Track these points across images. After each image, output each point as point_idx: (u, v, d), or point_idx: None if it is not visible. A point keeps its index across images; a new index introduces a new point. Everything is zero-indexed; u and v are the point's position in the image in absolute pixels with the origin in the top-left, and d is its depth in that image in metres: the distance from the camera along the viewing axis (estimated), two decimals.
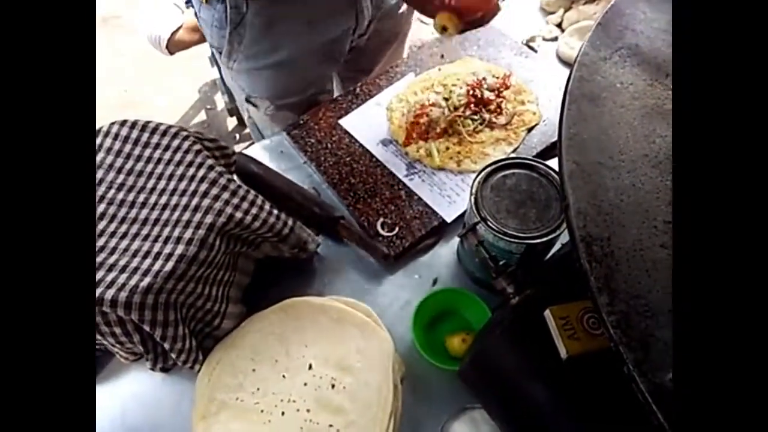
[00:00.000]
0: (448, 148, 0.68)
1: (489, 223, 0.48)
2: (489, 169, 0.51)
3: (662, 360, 0.28)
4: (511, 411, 0.39)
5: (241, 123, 1.93)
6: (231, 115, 1.88)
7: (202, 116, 1.98)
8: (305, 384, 0.51)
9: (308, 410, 0.49)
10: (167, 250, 0.45)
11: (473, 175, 0.51)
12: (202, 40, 1.46)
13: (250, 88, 0.78)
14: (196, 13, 0.74)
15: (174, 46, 1.47)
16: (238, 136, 1.92)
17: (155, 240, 0.46)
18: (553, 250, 0.52)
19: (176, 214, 0.47)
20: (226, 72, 0.78)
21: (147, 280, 0.44)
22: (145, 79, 2.03)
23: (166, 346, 0.47)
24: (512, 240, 0.47)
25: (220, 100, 1.94)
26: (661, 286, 0.30)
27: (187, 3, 0.74)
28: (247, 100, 0.82)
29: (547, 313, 0.36)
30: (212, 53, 1.51)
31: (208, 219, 0.47)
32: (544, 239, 0.47)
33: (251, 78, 0.76)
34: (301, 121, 0.72)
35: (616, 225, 0.32)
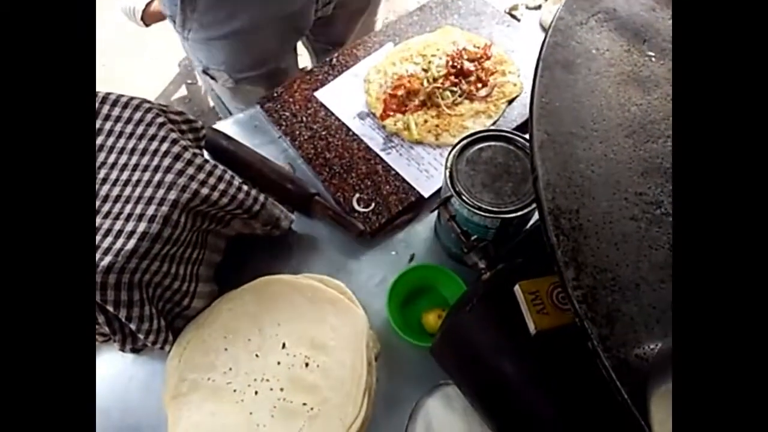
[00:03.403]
0: (426, 121, 0.66)
1: (463, 197, 0.46)
2: (465, 141, 0.49)
3: (627, 335, 0.27)
4: (481, 387, 0.38)
5: None
6: None
7: (182, 91, 1.93)
8: (278, 363, 0.50)
9: (281, 389, 0.49)
10: (129, 227, 0.44)
11: None
12: None
13: (206, 59, 0.74)
14: None
15: (149, 17, 1.42)
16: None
17: (116, 218, 0.44)
18: (529, 225, 0.51)
19: (138, 190, 0.45)
20: (183, 43, 0.74)
21: (108, 259, 0.42)
22: (123, 54, 1.96)
23: (132, 326, 0.45)
24: (487, 215, 0.46)
25: None
26: (630, 260, 0.29)
27: None
28: (205, 72, 0.78)
29: (517, 288, 0.35)
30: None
31: (172, 195, 0.45)
32: (519, 213, 0.46)
33: (207, 48, 0.72)
34: (275, 94, 0.69)
35: (586, 197, 0.31)
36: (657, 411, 0.23)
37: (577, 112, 0.34)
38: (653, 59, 0.37)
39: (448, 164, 0.48)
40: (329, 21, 0.77)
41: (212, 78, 0.78)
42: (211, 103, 1.90)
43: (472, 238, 0.43)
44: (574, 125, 0.34)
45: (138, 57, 1.98)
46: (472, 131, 0.50)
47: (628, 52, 0.38)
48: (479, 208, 0.46)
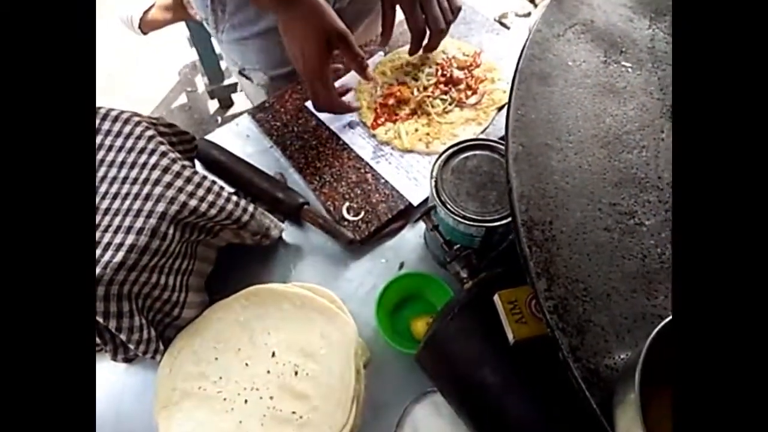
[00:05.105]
0: (417, 130, 0.67)
1: (448, 206, 0.47)
2: (450, 151, 0.50)
3: (598, 345, 0.27)
4: (463, 394, 0.39)
5: (223, 106, 1.89)
6: (212, 98, 1.85)
7: (182, 99, 1.94)
8: (268, 371, 0.50)
9: (271, 397, 0.49)
10: (117, 240, 0.44)
11: None
12: (176, 19, 1.42)
13: (241, 59, 0.78)
14: None
15: (147, 25, 1.43)
16: (219, 119, 1.89)
17: (105, 230, 0.45)
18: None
19: (127, 202, 0.46)
20: (218, 46, 0.78)
21: (96, 271, 0.43)
22: (123, 63, 1.98)
23: (123, 337, 0.46)
24: (472, 224, 0.46)
25: (201, 82, 1.90)
26: (602, 270, 0.30)
27: None
28: (241, 73, 0.81)
29: (496, 297, 0.35)
30: (190, 35, 1.48)
31: (160, 207, 0.46)
32: (504, 222, 0.46)
33: (241, 49, 0.77)
34: (267, 104, 0.70)
35: (560, 208, 0.31)
36: (621, 419, 0.23)
37: (552, 124, 0.35)
38: (630, 70, 0.38)
39: (434, 174, 0.49)
40: (340, 16, 0.78)
41: (248, 78, 0.81)
42: (211, 110, 1.91)
43: (456, 247, 0.44)
44: (549, 137, 0.34)
45: (138, 66, 2.00)
46: (458, 140, 0.51)
47: (604, 64, 0.38)
48: (464, 217, 0.46)
